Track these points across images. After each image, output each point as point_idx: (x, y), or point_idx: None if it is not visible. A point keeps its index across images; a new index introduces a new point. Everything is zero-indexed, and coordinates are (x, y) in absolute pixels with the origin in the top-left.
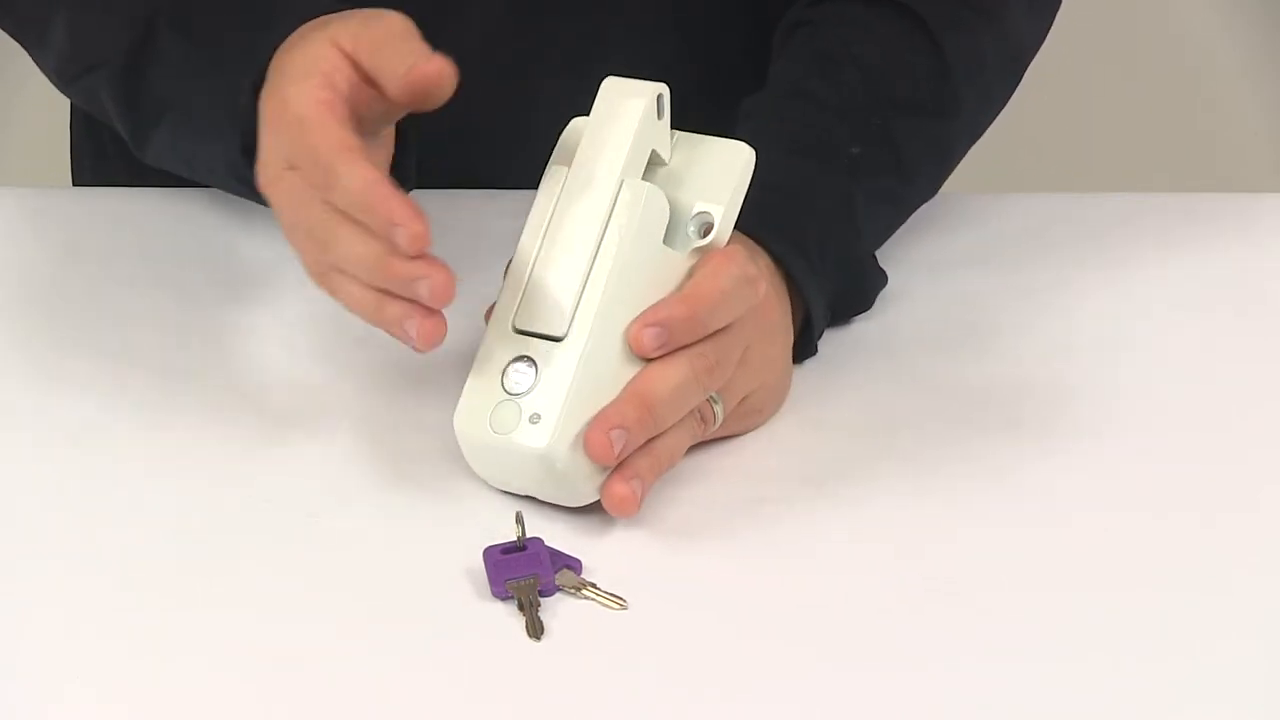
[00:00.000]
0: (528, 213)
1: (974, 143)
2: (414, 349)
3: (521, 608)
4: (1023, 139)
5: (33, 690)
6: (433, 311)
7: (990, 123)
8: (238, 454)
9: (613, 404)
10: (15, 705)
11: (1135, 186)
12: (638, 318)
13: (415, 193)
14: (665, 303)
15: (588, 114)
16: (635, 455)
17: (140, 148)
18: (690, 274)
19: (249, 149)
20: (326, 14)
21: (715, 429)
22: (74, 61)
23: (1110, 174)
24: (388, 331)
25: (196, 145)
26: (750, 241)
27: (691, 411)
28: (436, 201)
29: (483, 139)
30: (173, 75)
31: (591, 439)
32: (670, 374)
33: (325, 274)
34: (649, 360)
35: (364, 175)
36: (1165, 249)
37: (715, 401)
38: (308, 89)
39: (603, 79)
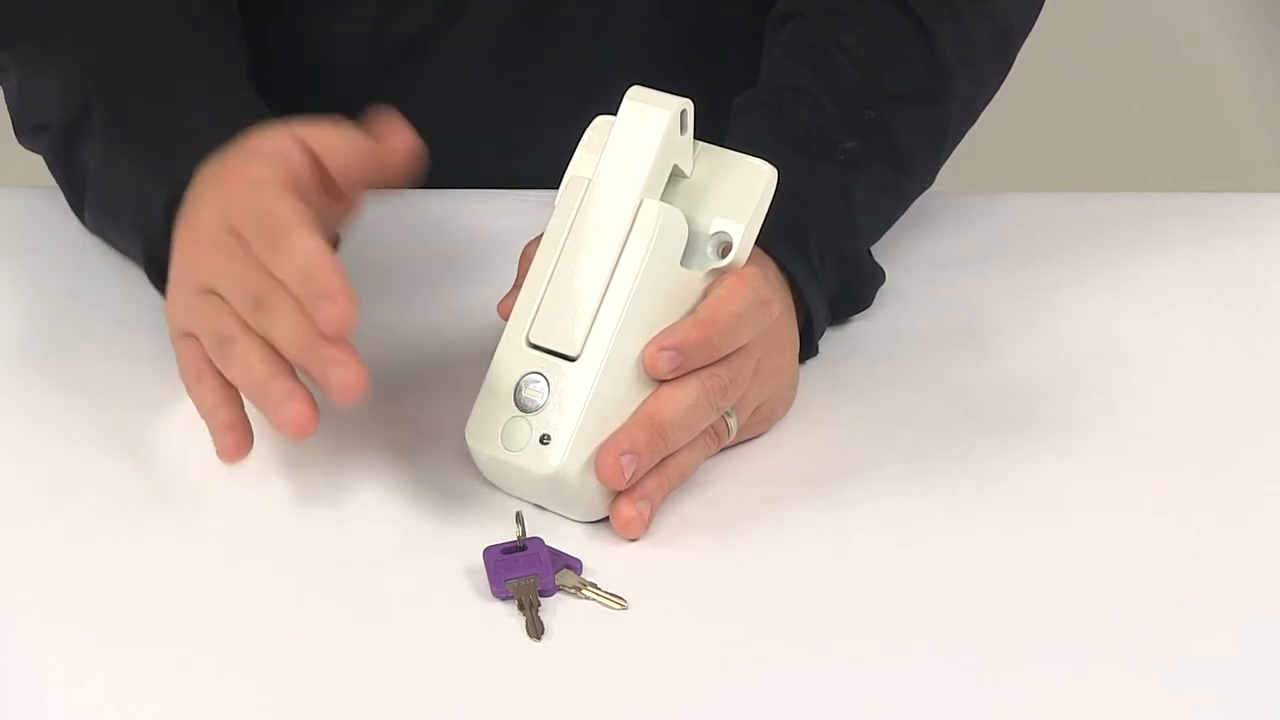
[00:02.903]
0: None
1: (968, 127)
2: (282, 429)
3: (521, 608)
4: (1023, 139)
5: (32, 690)
6: (310, 401)
7: (984, 106)
8: None
9: (624, 428)
10: (15, 705)
11: (1135, 186)
12: (652, 340)
13: (418, 192)
14: (680, 326)
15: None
16: (645, 476)
17: (78, 214)
18: (705, 295)
19: (153, 259)
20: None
21: (730, 441)
22: (21, 118)
23: (1110, 174)
24: (261, 407)
25: (111, 230)
26: (754, 248)
27: (705, 429)
28: (439, 201)
29: (487, 135)
30: (99, 157)
31: (603, 463)
32: (682, 396)
33: (222, 340)
34: (661, 382)
35: (316, 245)
36: (1165, 249)
37: (729, 416)
38: (268, 164)
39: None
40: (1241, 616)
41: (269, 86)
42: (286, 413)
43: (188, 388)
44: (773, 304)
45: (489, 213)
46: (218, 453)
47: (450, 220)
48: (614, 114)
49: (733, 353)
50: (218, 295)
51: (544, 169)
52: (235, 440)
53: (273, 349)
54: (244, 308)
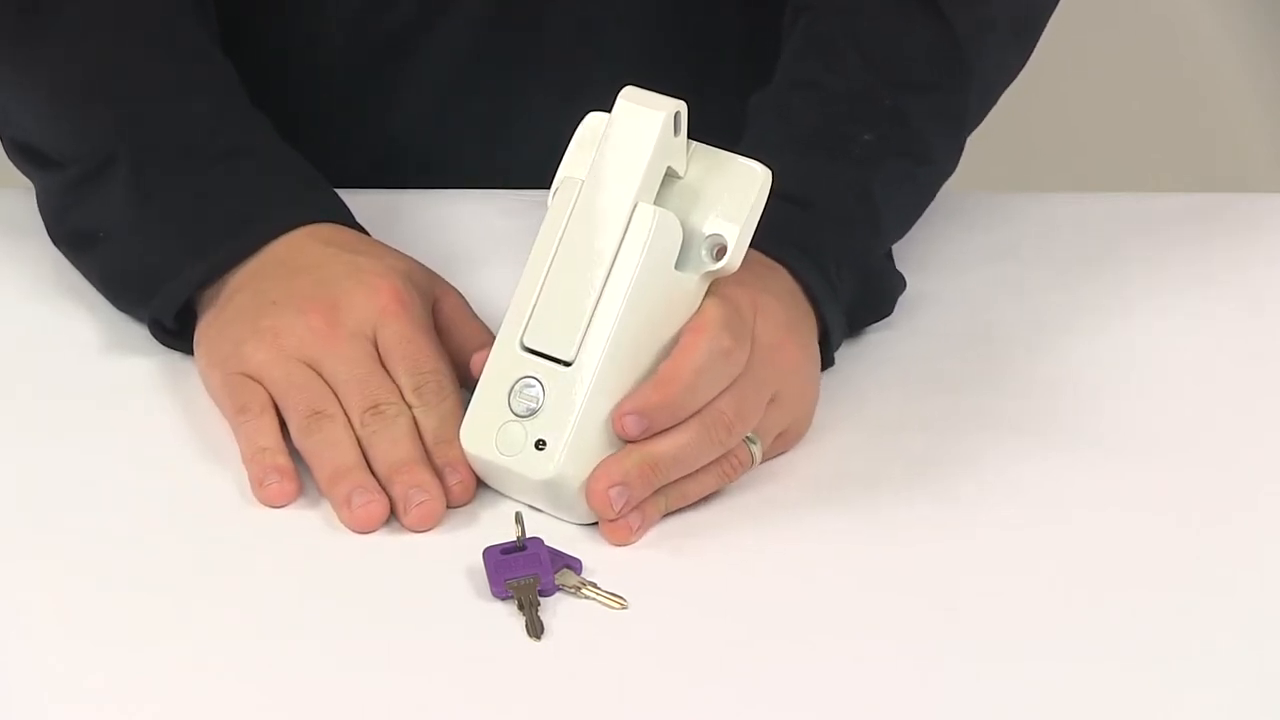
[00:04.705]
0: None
1: (986, 111)
2: (350, 520)
3: (521, 608)
4: (1022, 139)
5: (32, 690)
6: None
7: (1003, 90)
8: (238, 452)
9: (616, 457)
10: (15, 705)
11: (1135, 186)
12: (618, 405)
13: (417, 192)
14: (642, 389)
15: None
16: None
17: (58, 238)
18: (699, 300)
19: (157, 319)
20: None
21: (755, 468)
22: (8, 132)
23: (1110, 174)
24: (333, 488)
25: (116, 280)
26: (768, 260)
27: (724, 455)
28: (436, 201)
29: (474, 135)
30: (121, 216)
31: (593, 491)
32: (679, 433)
33: (318, 414)
34: None
35: (460, 413)
36: (1166, 249)
37: (753, 444)
38: (426, 306)
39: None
40: (1241, 616)
41: (252, 82)
42: (362, 510)
43: (237, 416)
44: (734, 353)
45: (487, 213)
46: (263, 494)
47: (448, 220)
48: (605, 110)
49: (736, 386)
50: (318, 373)
51: (531, 165)
52: (289, 487)
53: (358, 444)
54: (357, 403)
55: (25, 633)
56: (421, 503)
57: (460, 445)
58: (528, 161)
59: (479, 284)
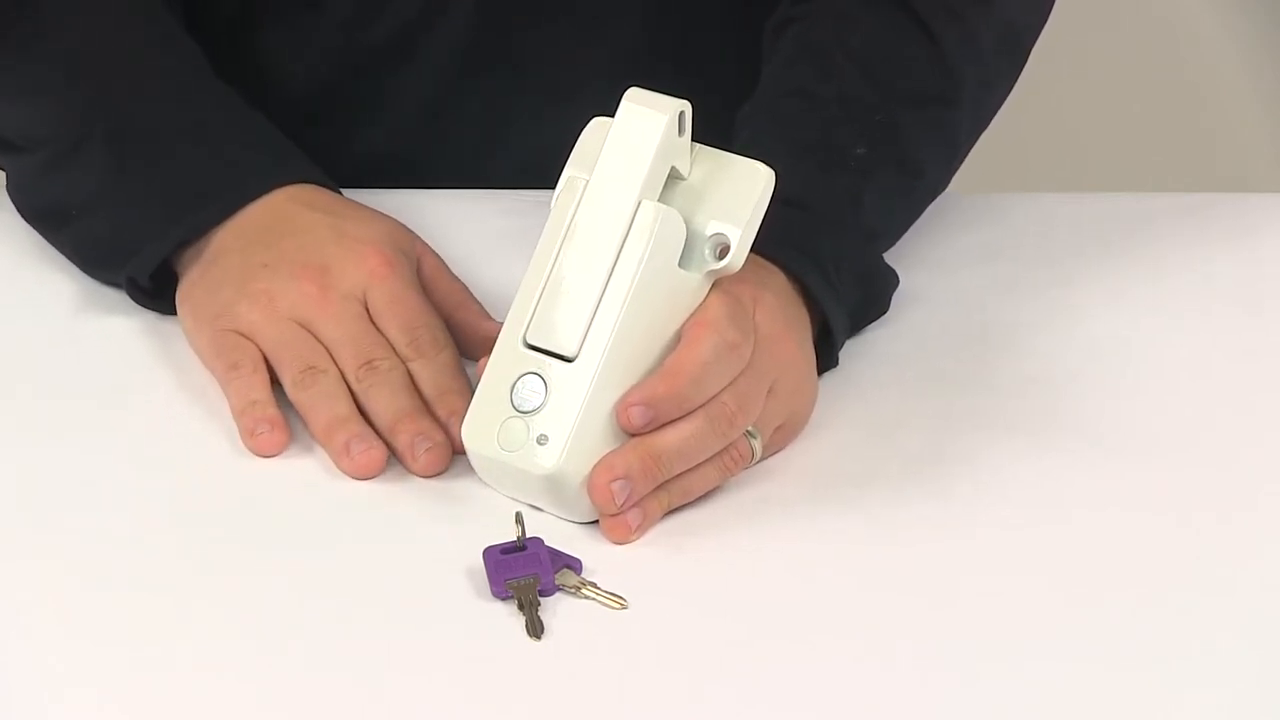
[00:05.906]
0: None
1: (980, 130)
2: (350, 467)
3: (521, 608)
4: (1023, 139)
5: (32, 692)
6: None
7: (996, 109)
8: (238, 451)
9: (620, 451)
10: (15, 705)
11: (1135, 186)
12: (623, 396)
13: (415, 193)
14: (649, 381)
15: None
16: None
17: (30, 215)
18: (701, 299)
19: (134, 279)
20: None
21: (755, 463)
22: None
23: (1110, 174)
24: (331, 438)
25: (90, 251)
26: (764, 261)
27: (726, 449)
28: (435, 201)
29: (472, 135)
30: (92, 193)
31: (594, 485)
32: (684, 425)
33: (312, 369)
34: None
35: (459, 364)
36: (1165, 249)
37: (754, 437)
38: (411, 270)
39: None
40: (1241, 616)
41: (251, 83)
42: (362, 457)
43: (229, 372)
44: (740, 347)
45: (487, 213)
46: (254, 443)
47: (448, 220)
48: (603, 112)
49: (741, 378)
50: (309, 331)
51: (529, 165)
52: (280, 438)
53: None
54: (352, 360)
55: (25, 633)
56: (429, 449)
57: (461, 397)
58: (526, 161)
59: (479, 283)
